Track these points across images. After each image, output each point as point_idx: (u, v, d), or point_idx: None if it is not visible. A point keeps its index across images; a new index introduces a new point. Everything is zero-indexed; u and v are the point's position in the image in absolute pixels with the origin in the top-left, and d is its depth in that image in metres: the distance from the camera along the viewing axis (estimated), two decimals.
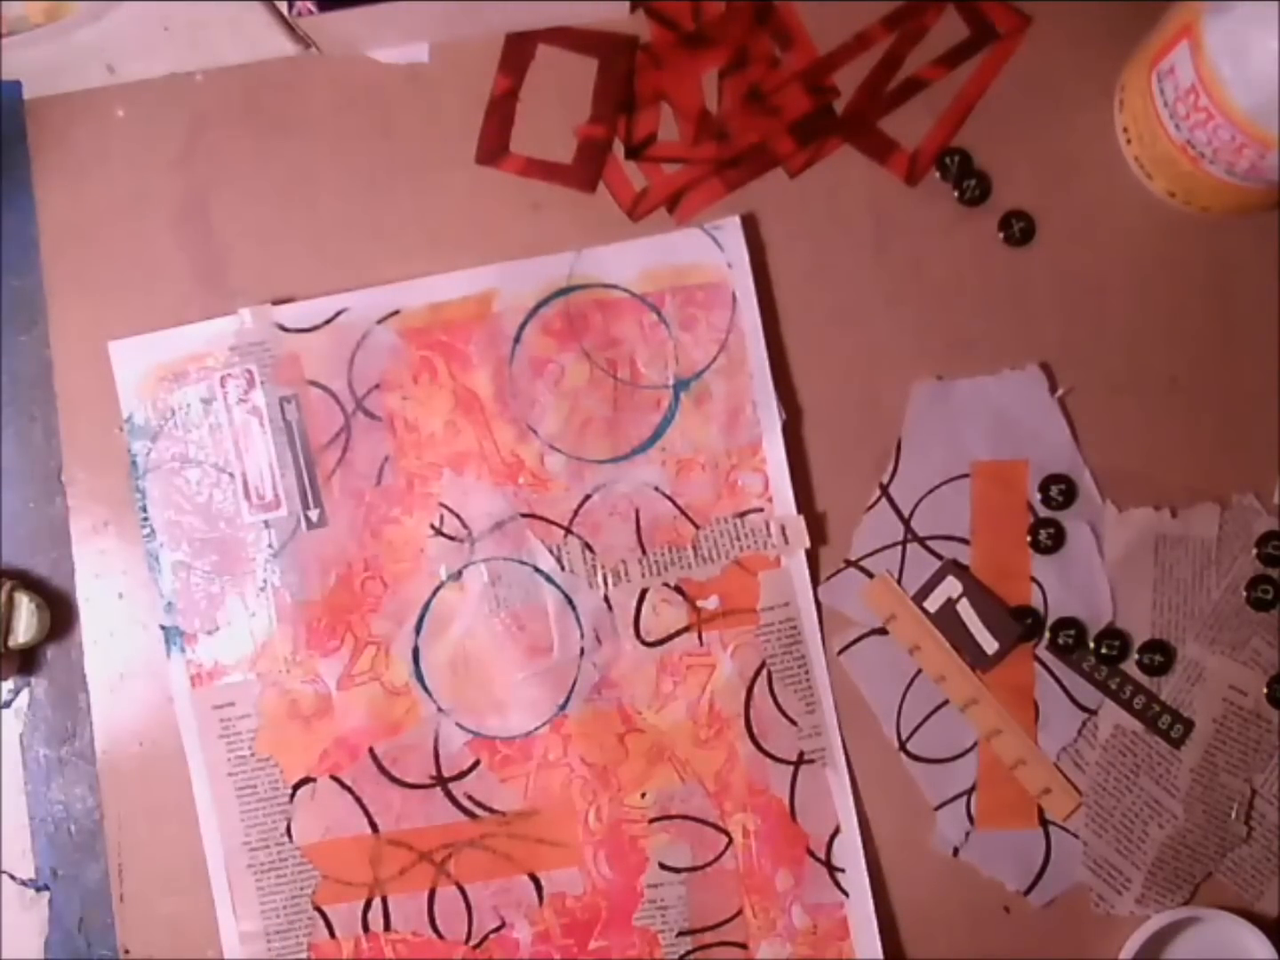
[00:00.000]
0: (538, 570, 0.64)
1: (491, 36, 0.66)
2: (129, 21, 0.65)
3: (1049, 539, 0.64)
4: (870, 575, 0.65)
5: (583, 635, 0.64)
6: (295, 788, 0.64)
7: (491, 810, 0.64)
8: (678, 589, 0.64)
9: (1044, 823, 0.64)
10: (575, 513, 0.64)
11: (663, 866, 0.64)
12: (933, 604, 0.65)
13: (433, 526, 0.64)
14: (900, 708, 0.65)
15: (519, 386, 0.64)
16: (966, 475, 0.65)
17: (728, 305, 0.64)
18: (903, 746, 0.65)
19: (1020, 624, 0.64)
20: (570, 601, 0.64)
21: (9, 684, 0.66)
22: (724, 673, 0.64)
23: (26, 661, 0.66)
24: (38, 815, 0.66)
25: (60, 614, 0.65)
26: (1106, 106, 0.65)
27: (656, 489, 0.64)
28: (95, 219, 0.66)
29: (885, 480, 0.65)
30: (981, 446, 0.65)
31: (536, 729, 0.64)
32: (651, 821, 0.64)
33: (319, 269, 0.66)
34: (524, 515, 0.64)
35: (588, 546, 0.64)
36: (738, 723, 0.64)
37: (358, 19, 0.62)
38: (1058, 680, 0.64)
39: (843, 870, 0.64)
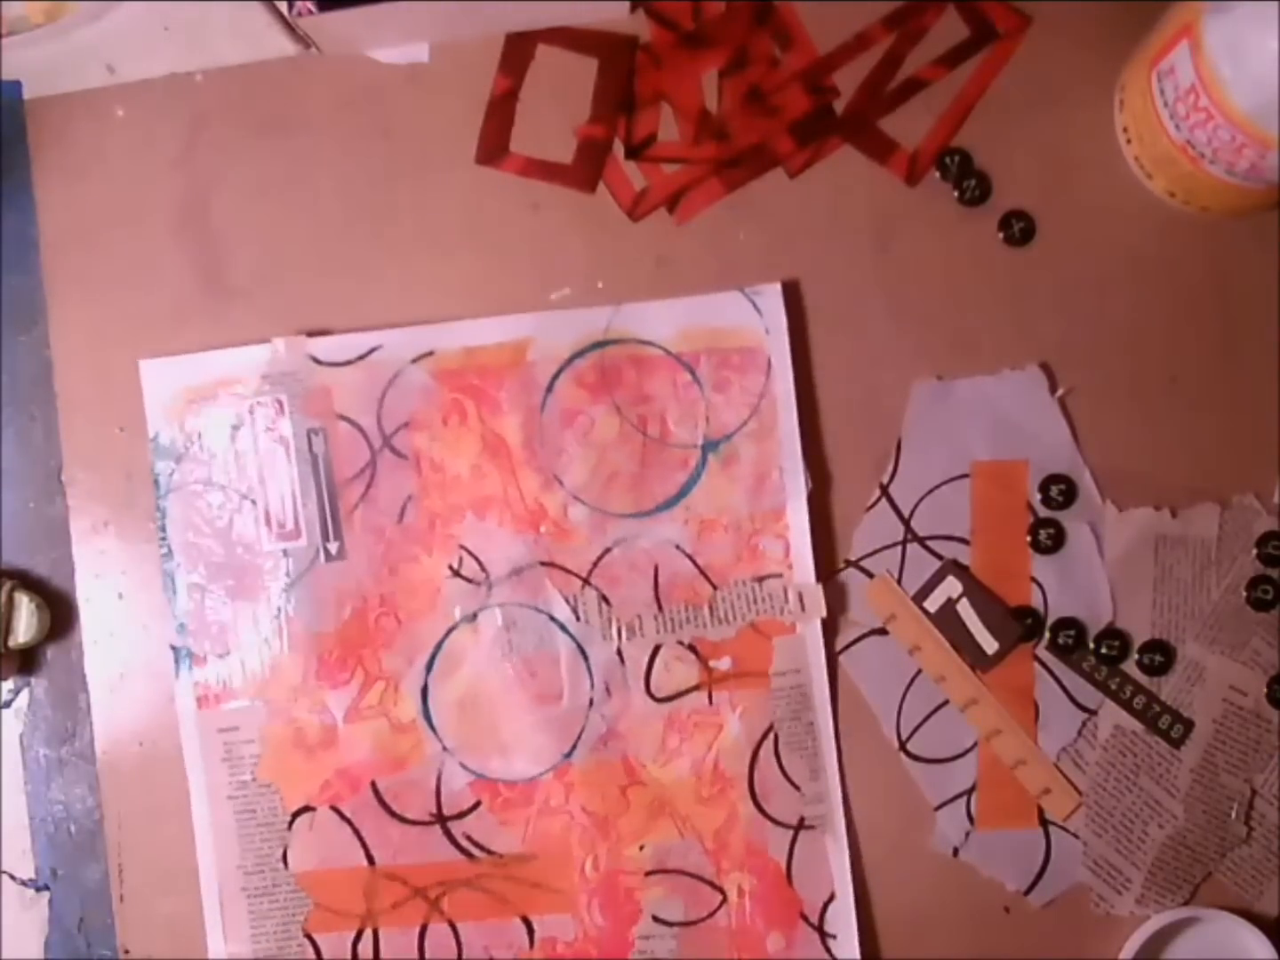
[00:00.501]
0: (553, 619, 0.64)
1: (491, 36, 0.66)
2: (129, 21, 0.65)
3: (1049, 539, 0.64)
4: (870, 575, 0.65)
5: (593, 686, 0.64)
6: (294, 815, 0.64)
7: (489, 851, 0.64)
8: (691, 647, 0.64)
9: (1044, 823, 0.64)
10: (594, 564, 0.64)
11: (655, 919, 0.64)
12: (933, 604, 0.65)
13: (451, 568, 0.64)
14: (900, 708, 0.65)
15: (548, 435, 0.64)
16: (966, 475, 0.65)
17: (762, 370, 0.64)
18: (903, 746, 0.65)
19: (1020, 624, 0.64)
20: (583, 652, 0.64)
21: (9, 684, 0.66)
22: (731, 733, 0.64)
23: (26, 661, 0.66)
24: (38, 815, 0.65)
25: (60, 614, 0.65)
26: (1106, 106, 0.65)
27: (677, 547, 0.64)
28: (95, 219, 0.66)
29: (885, 480, 0.65)
30: (981, 446, 0.65)
31: (540, 774, 0.64)
32: (648, 874, 0.64)
33: (319, 268, 0.66)
34: (543, 563, 0.64)
35: (604, 599, 0.64)
36: (741, 783, 0.64)
37: (358, 19, 0.62)
38: (1058, 680, 0.64)
39: (834, 937, 0.64)
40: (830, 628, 0.65)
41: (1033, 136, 0.65)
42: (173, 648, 0.64)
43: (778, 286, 0.64)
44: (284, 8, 0.62)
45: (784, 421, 0.64)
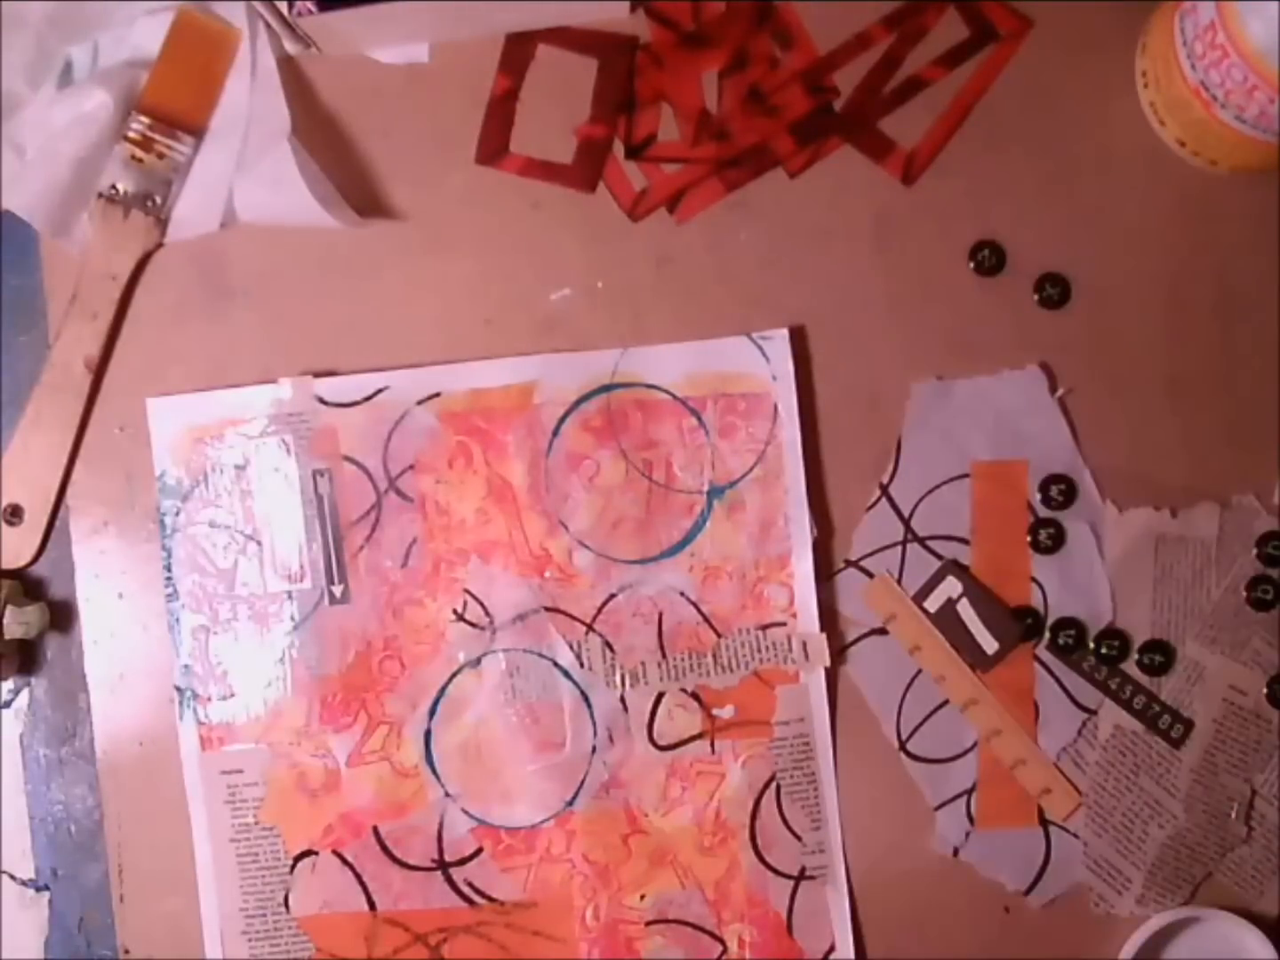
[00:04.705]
0: (556, 665, 0.64)
1: (491, 36, 0.66)
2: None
3: (1049, 539, 0.64)
4: (870, 575, 0.65)
5: (595, 733, 0.64)
6: (296, 859, 0.64)
7: (490, 898, 0.64)
8: (694, 695, 0.64)
9: (1044, 823, 0.64)
10: (599, 611, 0.64)
11: None
12: (933, 604, 0.65)
13: (455, 612, 0.64)
14: (900, 708, 0.65)
15: (554, 480, 0.64)
16: (966, 475, 0.65)
17: (769, 417, 0.64)
18: (903, 746, 0.65)
19: (1020, 624, 0.64)
20: (586, 699, 0.64)
21: (9, 684, 0.66)
22: (733, 782, 0.64)
23: (26, 661, 0.65)
24: (38, 815, 0.65)
25: (60, 614, 0.65)
26: (1103, 104, 0.65)
27: (682, 594, 0.64)
28: None
29: (885, 480, 0.65)
30: (981, 446, 0.65)
31: (542, 822, 0.64)
32: (648, 924, 0.64)
33: (318, 266, 0.65)
34: (547, 609, 0.64)
35: (608, 645, 0.64)
36: (742, 833, 0.64)
37: (358, 19, 0.62)
38: (1058, 680, 0.64)
39: None
40: (830, 628, 0.65)
41: (1031, 139, 0.65)
42: (177, 689, 0.64)
43: (785, 333, 0.64)
44: (284, 8, 0.62)
45: (790, 469, 0.64)
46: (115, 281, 0.65)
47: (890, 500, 0.65)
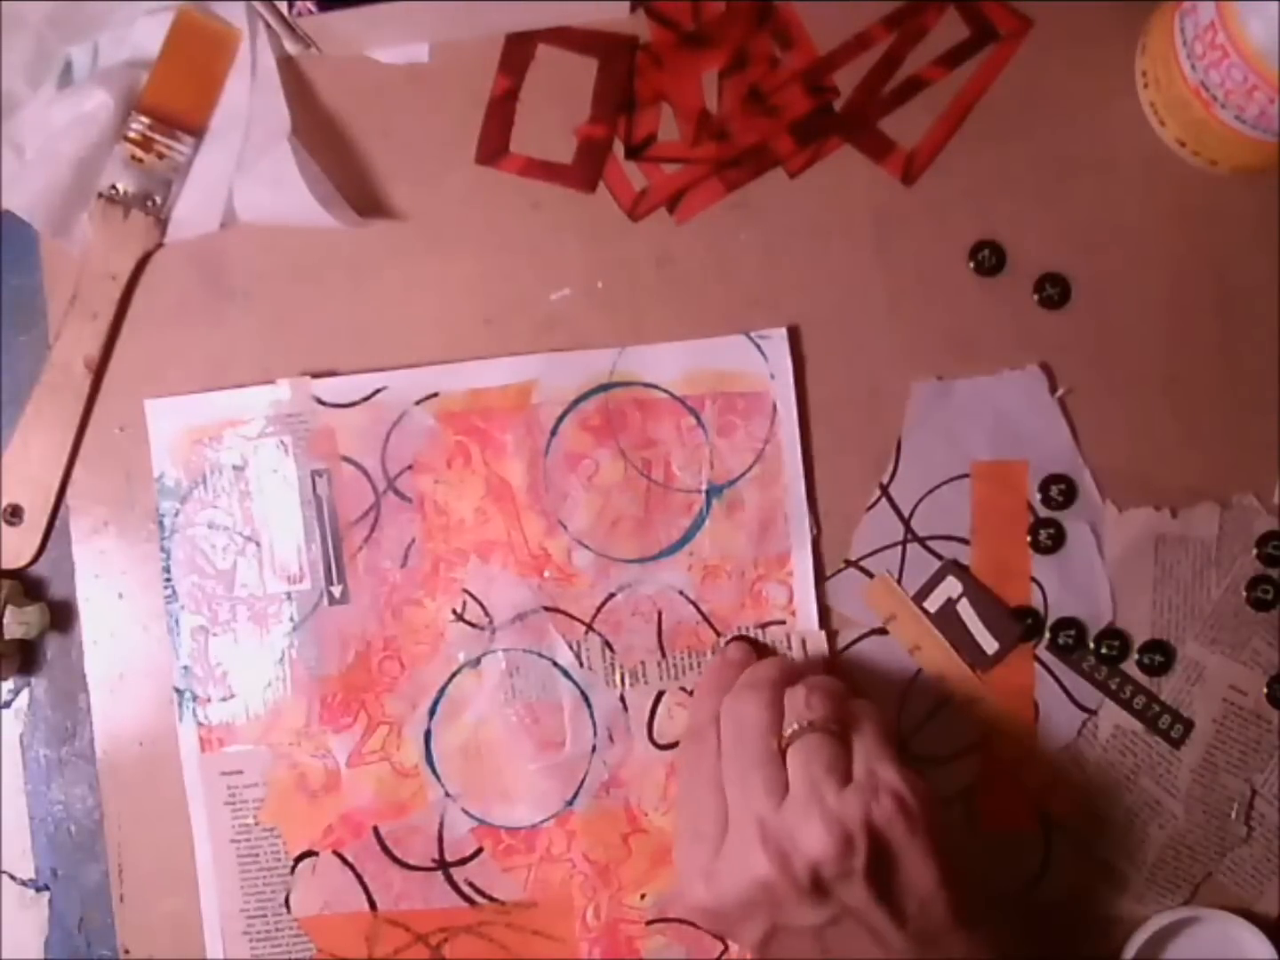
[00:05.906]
0: (556, 665, 0.64)
1: (491, 36, 0.66)
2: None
3: (1049, 539, 0.64)
4: (870, 575, 0.65)
5: (595, 732, 0.64)
6: (297, 860, 0.64)
7: (491, 898, 0.64)
8: (693, 694, 0.64)
9: (1044, 823, 0.64)
10: (598, 610, 0.64)
11: None
12: (933, 604, 0.65)
13: (454, 612, 0.64)
14: (900, 708, 0.65)
15: (552, 479, 0.64)
16: (966, 475, 0.65)
17: (767, 415, 0.64)
18: (903, 746, 0.65)
19: (1020, 624, 0.64)
20: (586, 698, 0.64)
21: (9, 684, 0.66)
22: None
23: (26, 661, 0.66)
24: (38, 815, 0.66)
25: (60, 614, 0.65)
26: (1104, 102, 0.65)
27: (681, 593, 0.64)
28: None
29: (885, 480, 0.65)
30: (981, 446, 0.65)
31: (542, 822, 0.64)
32: (649, 923, 0.64)
33: (318, 266, 0.66)
34: (547, 609, 0.64)
35: (608, 645, 0.64)
36: None
37: (358, 19, 0.62)
38: (1058, 680, 0.64)
39: None
40: (830, 628, 0.65)
41: (1031, 139, 0.65)
42: (176, 690, 0.64)
43: (783, 332, 0.64)
44: (284, 8, 0.62)
45: (789, 468, 0.64)
46: (115, 281, 0.65)
47: (890, 500, 0.65)
